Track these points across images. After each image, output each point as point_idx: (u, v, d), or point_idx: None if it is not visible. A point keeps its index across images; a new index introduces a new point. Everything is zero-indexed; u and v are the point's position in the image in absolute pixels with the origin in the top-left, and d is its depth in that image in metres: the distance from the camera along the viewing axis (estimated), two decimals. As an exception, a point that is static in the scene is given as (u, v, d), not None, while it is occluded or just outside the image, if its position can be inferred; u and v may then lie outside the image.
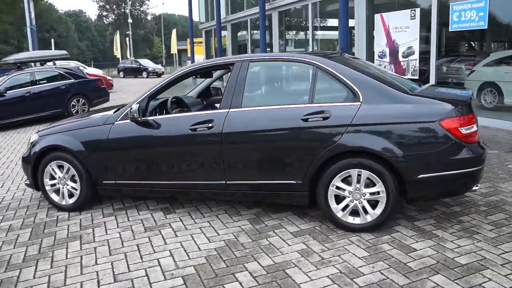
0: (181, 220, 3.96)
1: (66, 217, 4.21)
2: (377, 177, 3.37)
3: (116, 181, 4.13)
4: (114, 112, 4.19)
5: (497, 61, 8.76)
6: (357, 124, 3.38)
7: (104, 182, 4.17)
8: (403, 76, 7.56)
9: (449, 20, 7.93)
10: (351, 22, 11.02)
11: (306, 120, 3.48)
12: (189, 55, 24.44)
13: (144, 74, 32.00)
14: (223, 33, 20.15)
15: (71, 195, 4.32)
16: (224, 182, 3.76)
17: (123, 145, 4.04)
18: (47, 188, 4.38)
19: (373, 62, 9.91)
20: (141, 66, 32.83)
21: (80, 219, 4.13)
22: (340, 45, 10.41)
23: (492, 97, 8.57)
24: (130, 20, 48.39)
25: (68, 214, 4.28)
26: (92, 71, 22.20)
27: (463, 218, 3.74)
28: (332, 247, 3.28)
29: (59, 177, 4.31)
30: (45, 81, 10.91)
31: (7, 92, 10.10)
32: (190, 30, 23.90)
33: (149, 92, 4.03)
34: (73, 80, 11.22)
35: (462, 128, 3.33)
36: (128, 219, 4.05)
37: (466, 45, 9.89)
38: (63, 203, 4.35)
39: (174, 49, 40.48)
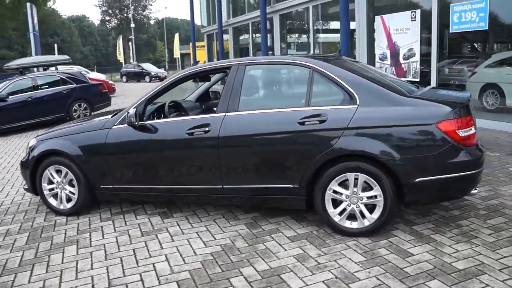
0: (178, 224, 3.95)
1: (64, 222, 4.21)
2: (374, 181, 3.35)
3: (114, 186, 4.12)
4: (111, 117, 4.18)
5: (499, 62, 8.72)
6: (353, 127, 3.36)
7: (101, 186, 4.16)
8: (402, 78, 7.55)
9: (449, 21, 7.91)
10: (352, 25, 11.01)
11: (302, 123, 3.46)
12: (192, 59, 24.48)
13: (147, 78, 32.09)
14: (225, 36, 20.19)
15: (69, 200, 4.32)
16: (221, 186, 3.74)
17: (121, 149, 4.03)
18: (45, 192, 4.38)
19: (374, 65, 9.91)
20: (144, 71, 32.94)
21: (78, 224, 4.13)
22: (341, 48, 10.39)
23: (494, 99, 8.53)
24: (132, 25, 48.59)
25: (66, 219, 4.27)
26: (95, 75, 22.32)
27: (462, 222, 3.71)
28: (329, 251, 3.26)
29: (57, 181, 4.31)
30: (47, 86, 10.97)
31: (9, 97, 10.15)
32: (192, 34, 23.96)
33: (146, 97, 4.03)
34: (74, 85, 11.26)
35: (460, 130, 3.30)
36: (126, 224, 4.05)
37: (468, 46, 9.85)
38: (61, 207, 4.35)
39: (177, 53, 40.60)
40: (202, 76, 4.34)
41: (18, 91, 10.44)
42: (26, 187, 4.57)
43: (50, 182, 4.34)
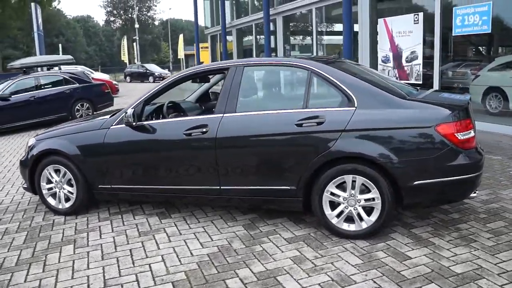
0: (175, 225, 3.94)
1: (62, 221, 4.21)
2: (372, 183, 3.33)
3: (112, 186, 4.12)
4: (110, 117, 4.19)
5: (502, 65, 8.67)
6: (351, 130, 3.35)
7: (99, 186, 4.16)
8: (404, 81, 7.52)
9: (452, 25, 7.87)
10: (355, 27, 10.99)
11: (300, 125, 3.45)
12: (196, 60, 24.52)
13: (151, 78, 32.15)
14: (229, 38, 20.20)
15: (67, 199, 4.32)
16: (219, 187, 3.73)
17: (118, 149, 4.03)
18: (44, 192, 4.39)
19: (377, 67, 9.89)
20: (148, 71, 33.00)
21: (76, 223, 4.13)
22: (343, 50, 10.38)
23: (497, 102, 8.48)
24: (137, 25, 48.72)
25: (64, 218, 4.28)
26: (99, 75, 22.40)
27: (461, 225, 3.68)
28: (326, 254, 3.24)
29: (55, 181, 4.32)
30: (50, 86, 11.00)
31: (12, 96, 10.18)
32: (196, 35, 23.99)
33: (144, 97, 4.03)
34: (77, 85, 11.29)
35: (459, 133, 3.28)
36: (123, 224, 4.04)
37: (471, 49, 9.81)
38: (60, 207, 4.35)
39: (181, 54, 40.64)
40: (201, 77, 4.34)
41: (21, 90, 10.48)
42: (26, 186, 4.58)
43: (49, 181, 4.35)
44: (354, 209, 3.42)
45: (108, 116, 4.27)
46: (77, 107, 11.19)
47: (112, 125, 4.06)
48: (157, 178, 3.94)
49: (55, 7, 46.00)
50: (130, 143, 3.99)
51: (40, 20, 19.94)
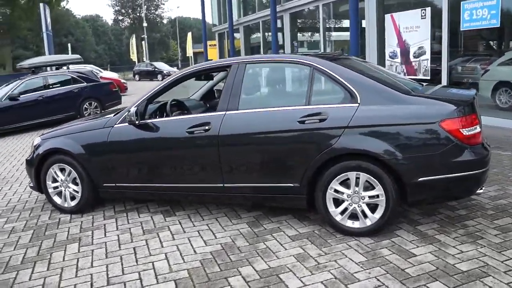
0: (180, 223, 3.94)
1: (68, 220, 4.24)
2: (376, 180, 3.30)
3: (116, 184, 4.13)
4: (113, 116, 4.20)
5: (512, 60, 8.55)
6: (354, 126, 3.31)
7: (104, 184, 4.18)
8: (412, 77, 7.44)
9: (460, 19, 7.77)
10: (363, 23, 10.90)
11: (303, 122, 3.42)
12: (204, 58, 24.54)
13: (159, 77, 32.23)
14: (237, 35, 20.17)
15: (73, 198, 4.35)
16: (222, 185, 3.73)
17: (122, 148, 4.05)
18: (50, 190, 4.42)
19: (385, 63, 9.80)
20: (156, 69, 33.10)
21: (81, 221, 4.15)
22: (350, 46, 10.30)
23: (507, 97, 8.36)
24: (145, 24, 48.89)
25: (70, 217, 4.30)
26: (108, 74, 22.56)
27: (468, 222, 3.63)
28: (330, 251, 3.21)
29: (61, 179, 4.34)
30: (58, 85, 11.09)
31: (21, 96, 10.28)
32: (203, 33, 24.01)
33: (147, 95, 4.03)
34: (85, 84, 11.36)
35: (464, 129, 3.23)
36: (128, 222, 4.05)
37: (480, 44, 9.68)
38: (65, 205, 4.38)
39: (189, 52, 40.70)
40: (204, 75, 4.33)
41: (30, 90, 10.58)
42: (32, 185, 4.61)
43: (54, 180, 4.38)
44: (358, 206, 3.39)
45: (112, 115, 4.28)
46: (85, 106, 11.27)
47: (115, 124, 4.07)
48: (161, 176, 3.95)
49: (64, 7, 46.35)
50: (134, 141, 4.00)
51: (48, 20, 20.08)
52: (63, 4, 41.52)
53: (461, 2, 7.71)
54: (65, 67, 12.10)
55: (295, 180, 3.50)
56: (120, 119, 4.06)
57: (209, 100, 5.11)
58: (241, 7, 19.99)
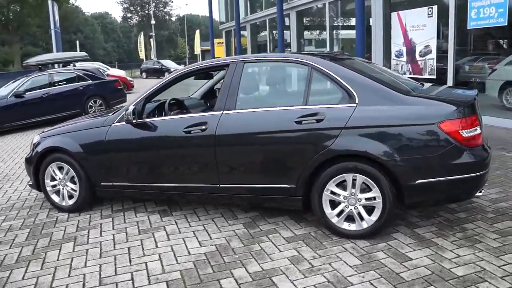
0: (176, 223, 3.92)
1: (65, 218, 4.23)
2: (372, 182, 3.25)
3: (114, 183, 4.12)
4: (112, 114, 4.19)
5: (520, 59, 8.42)
6: (352, 127, 3.26)
7: (102, 183, 4.17)
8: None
9: (467, 18, 7.65)
10: (370, 22, 10.80)
11: (299, 122, 3.38)
12: (211, 56, 24.54)
13: (166, 74, 32.28)
14: (243, 33, 20.13)
15: (70, 196, 4.35)
16: (218, 185, 3.70)
17: (120, 147, 4.03)
18: (48, 189, 4.42)
19: (390, 62, 9.71)
20: (163, 67, 33.14)
21: (78, 220, 4.15)
22: (356, 45, 10.20)
23: (515, 97, 8.24)
24: (153, 22, 49.00)
25: (68, 215, 4.30)
26: (115, 72, 22.60)
27: (467, 225, 3.57)
28: (324, 254, 3.17)
29: (59, 178, 4.34)
30: (63, 83, 11.13)
31: (26, 93, 10.33)
32: (210, 31, 23.98)
33: (145, 94, 4.01)
34: (90, 82, 11.39)
35: (464, 131, 3.16)
36: (125, 221, 4.04)
37: (487, 43, 9.54)
38: (63, 204, 4.38)
39: (197, 50, 40.72)
40: (202, 74, 4.30)
41: (35, 87, 10.63)
42: (31, 183, 4.63)
43: (53, 178, 4.38)
44: (354, 208, 3.34)
45: (110, 114, 4.27)
46: (90, 103, 11.30)
47: (113, 123, 4.06)
48: (158, 176, 3.93)
49: (73, 4, 46.62)
50: (131, 140, 3.98)
51: (57, 17, 20.19)
52: (72, 1, 41.77)
53: (468, 0, 7.59)
54: (71, 65, 12.15)
55: (291, 181, 3.46)
56: (118, 118, 4.04)
57: (210, 99, 5.08)
58: (248, 5, 19.93)
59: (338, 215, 3.40)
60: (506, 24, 7.10)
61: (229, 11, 23.08)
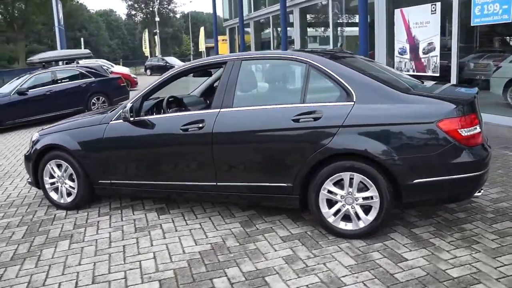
0: (173, 221, 3.91)
1: (63, 216, 4.23)
2: (370, 181, 3.21)
3: (111, 181, 4.12)
4: (110, 112, 4.17)
5: (525, 57, 8.32)
6: (349, 125, 3.23)
7: (100, 181, 4.17)
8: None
9: (471, 14, 7.57)
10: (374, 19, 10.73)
11: (297, 120, 3.35)
12: (215, 53, 24.52)
13: (171, 71, 32.27)
14: (247, 30, 20.08)
15: (69, 194, 4.35)
16: (215, 183, 3.68)
17: (117, 144, 4.02)
18: (47, 186, 4.43)
19: (394, 59, 9.64)
20: (168, 64, 33.12)
21: (76, 218, 4.15)
22: (359, 42, 10.13)
23: (519, 95, 8.15)
24: (157, 19, 49.01)
25: (66, 213, 4.30)
26: (119, 69, 22.64)
27: (465, 225, 3.52)
28: (319, 254, 3.15)
29: (58, 175, 4.34)
30: (66, 80, 11.16)
31: (29, 91, 10.36)
32: (214, 28, 23.93)
33: (143, 92, 4.00)
34: (93, 79, 11.41)
35: (463, 129, 3.12)
36: (122, 219, 4.04)
37: (492, 40, 9.44)
38: (62, 201, 4.38)
39: (202, 47, 40.73)
40: (200, 71, 4.28)
41: (38, 85, 10.66)
42: (30, 180, 4.63)
43: (51, 176, 4.38)
44: (351, 208, 3.31)
45: (109, 112, 4.26)
46: (93, 100, 11.32)
47: (111, 120, 4.05)
48: (155, 174, 3.92)
49: (77, 1, 46.71)
50: (129, 138, 3.97)
51: (61, 15, 20.23)
52: (77, -2, 41.86)
53: (472, -3, 7.51)
54: (75, 62, 12.17)
55: (288, 179, 3.43)
56: (116, 115, 4.03)
57: (209, 97, 5.05)
58: (252, 2, 19.86)
59: (335, 214, 3.37)
60: (511, 20, 7.00)
61: (232, 8, 23.02)
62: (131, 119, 3.87)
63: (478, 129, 3.24)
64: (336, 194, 3.33)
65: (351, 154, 3.26)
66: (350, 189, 3.29)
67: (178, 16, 69.64)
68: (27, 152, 4.61)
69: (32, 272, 3.12)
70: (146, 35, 44.06)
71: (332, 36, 13.30)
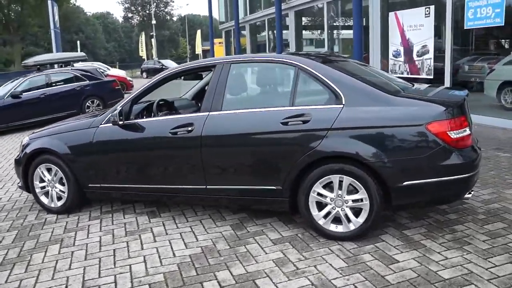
0: (163, 224, 3.89)
1: (54, 220, 4.21)
2: (359, 184, 3.21)
3: (101, 185, 4.10)
4: (99, 116, 4.16)
5: (519, 59, 8.36)
6: (338, 128, 3.22)
7: (90, 185, 4.15)
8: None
9: (464, 17, 7.61)
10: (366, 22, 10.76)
11: (286, 123, 3.34)
12: (211, 56, 24.52)
13: (166, 74, 32.24)
14: (243, 33, 20.10)
15: (59, 198, 4.32)
16: (205, 186, 3.67)
17: (107, 148, 4.00)
18: (37, 190, 4.40)
19: (388, 62, 9.66)
20: (164, 67, 33.14)
21: (66, 222, 4.12)
22: (354, 45, 10.15)
23: (513, 97, 8.18)
24: (153, 22, 49.01)
25: (56, 217, 4.28)
26: (115, 72, 22.61)
27: (457, 227, 3.53)
28: (310, 256, 3.14)
29: (48, 179, 4.32)
30: (61, 83, 11.12)
31: (23, 94, 10.32)
32: (210, 31, 23.97)
33: (132, 96, 3.99)
34: (87, 82, 11.38)
35: (452, 132, 3.12)
36: (112, 223, 4.02)
37: (485, 43, 9.48)
38: (52, 205, 4.36)
39: (198, 50, 40.73)
40: (189, 74, 4.27)
41: (32, 88, 10.63)
42: (20, 184, 4.60)
43: (42, 180, 4.36)
44: (341, 210, 3.30)
45: (98, 115, 4.24)
46: (87, 103, 11.28)
47: (101, 124, 4.03)
48: (145, 178, 3.90)
49: (74, 4, 46.67)
50: (118, 142, 3.95)
51: (56, 18, 20.16)
52: (73, 1, 41.82)
53: (466, 0, 7.54)
54: (71, 64, 12.14)
55: (277, 182, 3.42)
56: (105, 119, 4.02)
57: (201, 100, 5.03)
58: (247, 5, 19.90)
59: (325, 216, 3.36)
60: (503, 24, 7.04)
61: (228, 11, 23.06)
62: (120, 122, 3.85)
63: (467, 131, 3.25)
64: (325, 197, 3.33)
65: (340, 156, 3.25)
66: (340, 192, 3.28)
67: (175, 18, 69.76)
68: (17, 156, 4.58)
69: (21, 277, 3.10)
70: (142, 38, 44.04)
71: (327, 39, 13.33)
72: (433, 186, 3.17)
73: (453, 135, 3.13)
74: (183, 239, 3.55)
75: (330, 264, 3.00)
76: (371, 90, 3.31)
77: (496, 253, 3.06)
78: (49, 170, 4.30)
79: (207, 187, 3.65)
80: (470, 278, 2.75)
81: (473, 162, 3.25)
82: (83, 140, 4.07)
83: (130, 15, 64.31)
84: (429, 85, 4.35)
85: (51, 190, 4.32)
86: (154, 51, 45.85)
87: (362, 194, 3.22)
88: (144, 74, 34.21)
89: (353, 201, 3.26)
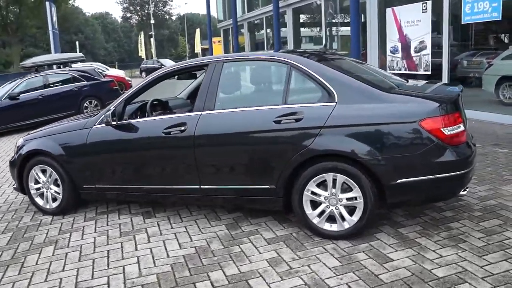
0: (158, 224, 3.88)
1: (49, 221, 4.20)
2: (353, 182, 3.19)
3: (96, 185, 4.08)
4: (93, 116, 4.14)
5: (517, 54, 8.32)
6: (331, 126, 3.20)
7: (84, 186, 4.14)
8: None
9: (461, 12, 7.57)
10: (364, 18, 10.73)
11: (278, 122, 3.32)
12: (210, 54, 24.50)
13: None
14: (242, 31, 20.07)
15: (54, 199, 4.31)
16: (198, 186, 3.65)
17: (100, 149, 3.99)
18: (32, 192, 4.39)
19: (386, 58, 9.63)
20: (163, 66, 33.14)
21: (61, 223, 4.11)
22: (351, 41, 10.12)
23: (511, 92, 8.14)
24: (152, 21, 48.95)
25: (52, 218, 4.27)
26: (114, 72, 22.59)
27: (452, 224, 3.50)
28: (304, 255, 3.12)
29: (43, 181, 4.31)
30: (58, 84, 11.10)
31: (21, 95, 10.31)
32: (208, 29, 23.97)
33: (125, 96, 3.97)
34: (85, 82, 11.36)
35: (446, 128, 3.09)
36: (107, 224, 4.00)
37: (483, 38, 9.44)
38: (47, 207, 4.34)
39: (198, 49, 40.68)
40: (182, 74, 4.25)
41: (30, 89, 10.61)
42: (15, 186, 4.59)
43: (37, 181, 4.35)
44: (335, 209, 3.28)
45: (92, 116, 4.22)
46: (85, 104, 11.27)
47: (94, 125, 4.01)
48: (139, 178, 3.89)
49: (73, 4, 46.62)
50: (112, 142, 3.94)
51: (55, 18, 20.11)
52: (71, 1, 41.77)
53: (462, -5, 7.51)
54: (69, 65, 12.12)
55: (271, 181, 3.40)
56: (99, 120, 4.00)
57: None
58: (245, 2, 19.86)
59: (319, 215, 3.34)
60: (500, 18, 7.00)
61: (227, 9, 23.02)
62: (113, 123, 3.83)
63: (461, 128, 3.22)
64: (319, 196, 3.31)
65: (334, 155, 3.23)
66: (334, 190, 3.26)
67: (173, 18, 69.64)
68: (12, 157, 4.57)
69: (15, 280, 3.09)
70: (142, 38, 44.00)
71: (325, 35, 13.29)
72: (428, 183, 3.14)
73: (447, 131, 3.10)
74: (177, 239, 3.54)
75: (324, 263, 2.99)
76: (364, 87, 3.29)
77: (492, 250, 3.03)
78: (43, 171, 4.29)
79: (201, 186, 3.64)
80: (464, 276, 2.73)
81: (468, 158, 3.23)
82: (77, 141, 4.06)
83: (129, 15, 64.26)
84: (427, 81, 4.32)
85: (46, 191, 4.31)
86: (153, 51, 45.81)
87: (356, 192, 3.19)
88: (143, 74, 34.18)
89: (347, 199, 3.24)
